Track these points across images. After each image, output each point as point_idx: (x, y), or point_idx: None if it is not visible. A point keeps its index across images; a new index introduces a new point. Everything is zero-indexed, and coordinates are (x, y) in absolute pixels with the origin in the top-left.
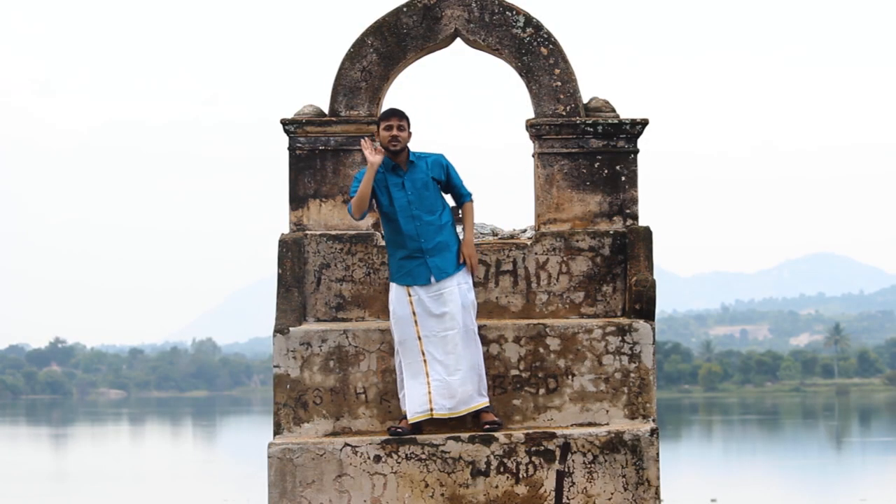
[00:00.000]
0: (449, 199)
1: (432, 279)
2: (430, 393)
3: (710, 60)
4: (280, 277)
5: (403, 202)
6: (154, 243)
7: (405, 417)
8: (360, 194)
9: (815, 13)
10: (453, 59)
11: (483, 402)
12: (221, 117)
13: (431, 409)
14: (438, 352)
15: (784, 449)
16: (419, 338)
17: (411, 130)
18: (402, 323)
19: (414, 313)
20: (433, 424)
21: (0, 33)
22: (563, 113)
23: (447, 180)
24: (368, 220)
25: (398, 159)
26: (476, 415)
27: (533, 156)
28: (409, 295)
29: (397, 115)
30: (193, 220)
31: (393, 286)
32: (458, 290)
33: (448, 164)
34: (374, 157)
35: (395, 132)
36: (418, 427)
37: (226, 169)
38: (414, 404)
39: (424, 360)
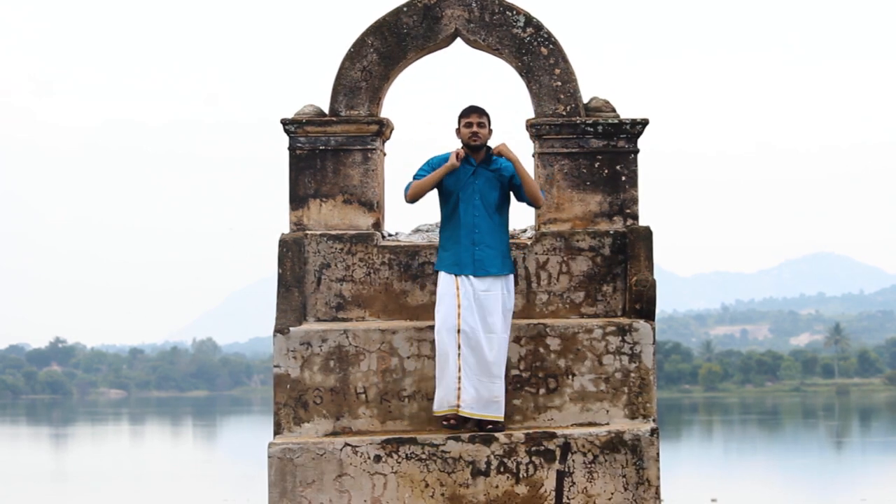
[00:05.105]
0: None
1: (474, 271)
2: (459, 389)
3: (710, 60)
4: (280, 277)
5: (469, 191)
6: (154, 243)
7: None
8: (424, 184)
9: (816, 12)
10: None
11: (500, 414)
12: (221, 117)
13: (458, 406)
14: (477, 351)
15: (784, 449)
16: (458, 331)
17: (492, 128)
18: (445, 312)
19: (459, 305)
20: (433, 422)
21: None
22: (564, 113)
23: (511, 184)
24: (369, 220)
25: (476, 155)
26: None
27: (533, 156)
28: (457, 288)
29: (477, 111)
30: (193, 220)
31: (441, 275)
32: (502, 296)
33: (514, 174)
34: (454, 160)
35: (475, 129)
36: (464, 417)
37: (226, 169)
38: (441, 397)
39: (459, 354)
